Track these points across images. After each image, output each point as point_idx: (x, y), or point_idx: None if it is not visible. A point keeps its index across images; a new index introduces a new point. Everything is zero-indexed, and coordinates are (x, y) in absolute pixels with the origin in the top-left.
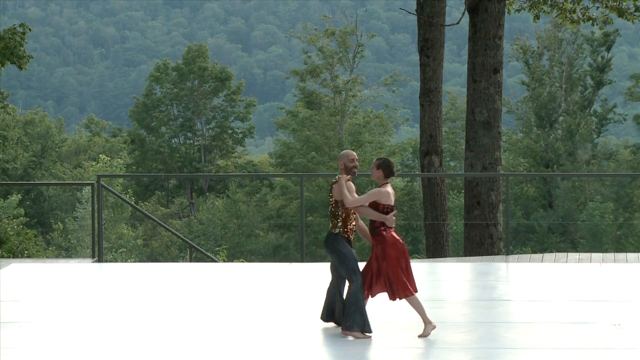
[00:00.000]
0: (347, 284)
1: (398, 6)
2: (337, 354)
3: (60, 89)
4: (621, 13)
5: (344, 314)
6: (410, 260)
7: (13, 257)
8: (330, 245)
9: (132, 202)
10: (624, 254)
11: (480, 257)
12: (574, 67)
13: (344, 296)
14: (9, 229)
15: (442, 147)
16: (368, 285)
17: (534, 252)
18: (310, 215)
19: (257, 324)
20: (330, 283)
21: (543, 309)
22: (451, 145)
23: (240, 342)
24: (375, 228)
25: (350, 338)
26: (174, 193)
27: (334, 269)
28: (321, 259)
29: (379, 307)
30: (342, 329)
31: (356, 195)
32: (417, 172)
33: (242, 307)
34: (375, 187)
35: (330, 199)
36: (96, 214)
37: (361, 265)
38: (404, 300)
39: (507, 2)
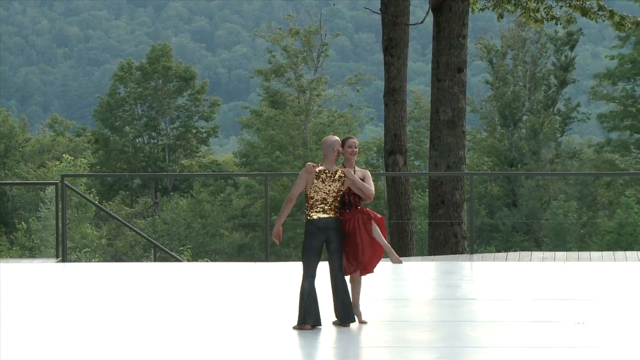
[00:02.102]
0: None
1: (362, 5)
2: (302, 353)
3: (24, 88)
4: (585, 12)
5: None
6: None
7: None
8: (341, 232)
9: (96, 202)
10: (588, 252)
11: (445, 256)
12: (538, 66)
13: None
14: None
15: (406, 146)
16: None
17: (498, 251)
18: (274, 214)
19: (223, 324)
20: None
21: (507, 308)
22: (415, 145)
23: (206, 342)
24: (359, 202)
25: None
26: (138, 193)
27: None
28: (286, 258)
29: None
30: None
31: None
32: (382, 171)
33: (208, 306)
34: (359, 169)
35: (340, 189)
36: (60, 214)
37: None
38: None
39: (471, 1)
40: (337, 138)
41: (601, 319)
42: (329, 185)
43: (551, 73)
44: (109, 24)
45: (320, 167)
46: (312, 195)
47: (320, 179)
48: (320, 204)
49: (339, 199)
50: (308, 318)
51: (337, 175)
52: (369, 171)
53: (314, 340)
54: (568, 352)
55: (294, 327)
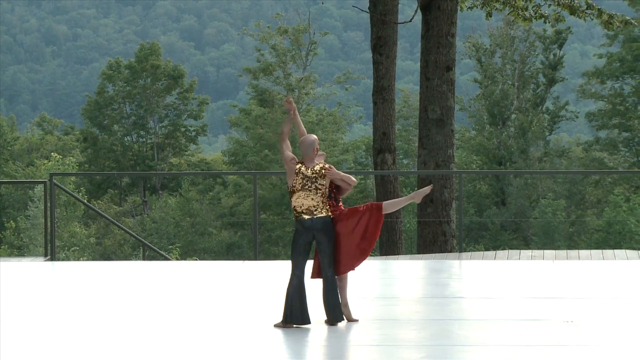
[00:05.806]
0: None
1: (351, 4)
2: (291, 351)
3: (12, 87)
4: (573, 11)
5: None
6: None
7: None
8: (331, 231)
9: (85, 201)
10: (576, 251)
11: (434, 254)
12: (526, 64)
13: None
14: None
15: (395, 145)
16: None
17: (487, 249)
18: (263, 213)
19: (212, 322)
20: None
21: (496, 306)
22: (404, 143)
23: (195, 341)
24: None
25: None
26: (126, 191)
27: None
28: (274, 257)
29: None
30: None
31: None
32: (370, 170)
33: (196, 305)
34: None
35: (325, 184)
36: (49, 213)
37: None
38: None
39: None
40: (315, 137)
41: (590, 318)
42: (312, 183)
43: (540, 71)
44: (97, 22)
45: (299, 165)
46: (297, 195)
47: (299, 178)
48: (306, 205)
49: (325, 195)
50: (292, 318)
51: (322, 171)
52: (359, 170)
53: (303, 339)
54: (557, 351)
55: (275, 325)
